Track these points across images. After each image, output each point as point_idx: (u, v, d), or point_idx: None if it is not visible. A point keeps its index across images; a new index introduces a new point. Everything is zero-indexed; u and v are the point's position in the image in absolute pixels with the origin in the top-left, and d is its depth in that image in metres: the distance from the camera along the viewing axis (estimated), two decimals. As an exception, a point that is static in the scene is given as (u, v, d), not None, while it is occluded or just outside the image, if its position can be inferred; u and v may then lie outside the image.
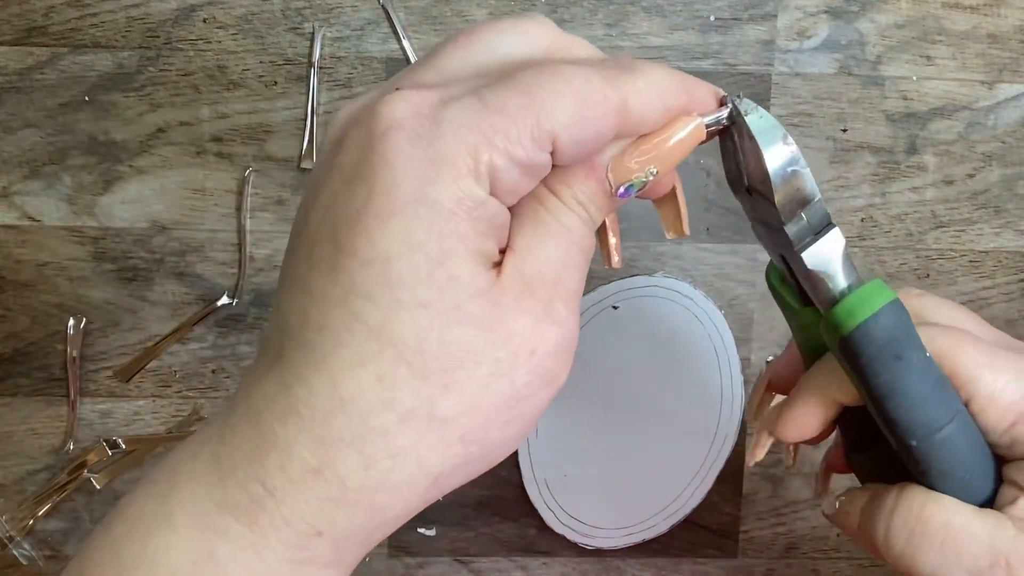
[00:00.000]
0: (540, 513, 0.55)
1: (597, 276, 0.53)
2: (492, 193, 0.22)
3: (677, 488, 0.55)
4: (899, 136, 0.54)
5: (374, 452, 0.21)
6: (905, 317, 0.28)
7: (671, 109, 0.23)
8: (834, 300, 0.28)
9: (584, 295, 0.53)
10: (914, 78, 0.53)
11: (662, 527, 0.55)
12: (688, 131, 0.24)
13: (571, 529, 0.55)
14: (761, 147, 0.26)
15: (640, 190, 0.24)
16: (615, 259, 0.27)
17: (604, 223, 0.26)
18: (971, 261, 0.55)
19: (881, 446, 0.30)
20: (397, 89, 0.22)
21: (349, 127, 0.23)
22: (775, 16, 0.52)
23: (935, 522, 0.27)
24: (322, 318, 0.21)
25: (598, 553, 0.56)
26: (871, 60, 0.53)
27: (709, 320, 0.54)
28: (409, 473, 0.22)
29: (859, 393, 0.29)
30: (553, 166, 0.23)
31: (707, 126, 0.25)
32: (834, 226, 0.28)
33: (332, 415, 0.21)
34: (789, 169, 0.26)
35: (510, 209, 0.23)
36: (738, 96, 0.26)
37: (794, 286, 0.30)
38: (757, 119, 0.26)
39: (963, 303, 0.55)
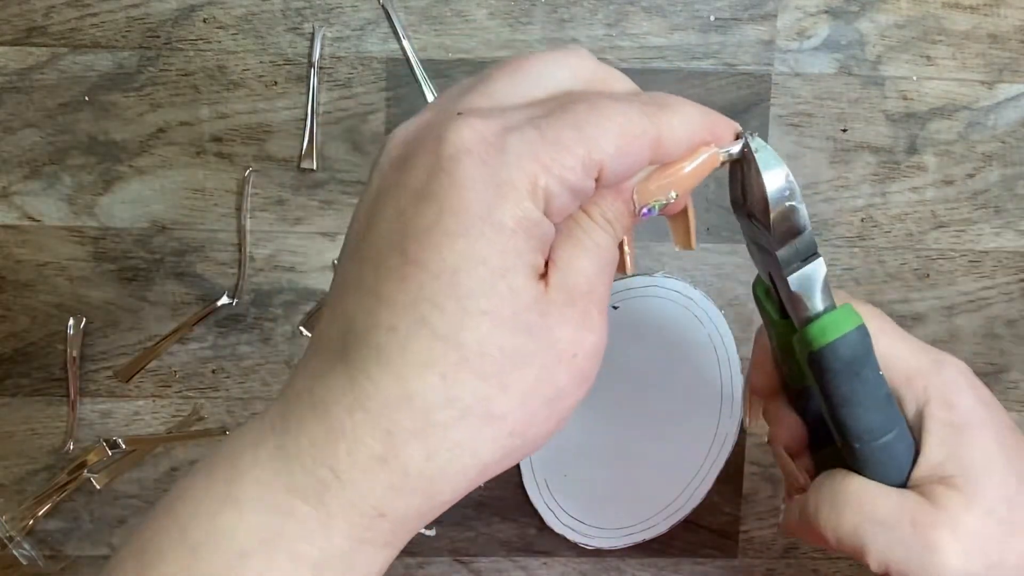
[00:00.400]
0: (540, 513, 0.55)
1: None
2: (545, 213, 0.24)
3: (677, 488, 0.55)
4: (899, 136, 0.54)
5: (436, 444, 0.24)
6: (867, 340, 0.31)
7: (695, 143, 0.26)
8: (809, 319, 0.31)
9: None
10: (914, 78, 0.53)
11: (662, 527, 0.55)
12: (705, 161, 0.27)
13: (571, 529, 0.55)
14: (765, 182, 0.29)
15: (660, 210, 0.27)
16: (630, 267, 0.30)
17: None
18: (971, 261, 0.55)
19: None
20: (459, 114, 0.24)
21: (413, 148, 0.25)
22: (775, 16, 0.52)
23: (852, 488, 0.32)
24: (391, 321, 0.23)
25: (598, 553, 0.56)
26: (871, 60, 0.53)
27: (709, 320, 0.54)
28: (464, 464, 0.24)
29: (819, 398, 0.33)
30: None
31: (722, 157, 0.28)
32: (819, 256, 0.31)
33: (398, 409, 0.23)
34: (787, 204, 0.29)
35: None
36: (751, 133, 0.29)
37: (776, 300, 0.33)
38: (765, 156, 0.29)
39: (963, 303, 0.55)
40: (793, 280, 0.31)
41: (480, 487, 0.55)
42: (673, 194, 0.26)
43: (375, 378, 0.23)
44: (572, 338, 0.25)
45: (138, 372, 0.53)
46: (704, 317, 0.54)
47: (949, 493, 0.32)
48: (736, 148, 0.28)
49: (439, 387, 0.23)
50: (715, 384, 0.54)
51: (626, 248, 0.29)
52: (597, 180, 0.25)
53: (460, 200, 0.23)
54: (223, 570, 0.24)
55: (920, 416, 0.33)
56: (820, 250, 0.31)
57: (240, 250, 0.52)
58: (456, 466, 0.24)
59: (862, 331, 0.31)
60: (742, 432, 0.55)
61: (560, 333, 0.25)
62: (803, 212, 0.30)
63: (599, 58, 0.53)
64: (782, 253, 0.31)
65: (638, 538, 0.55)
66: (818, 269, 0.31)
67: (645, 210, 0.26)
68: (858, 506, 0.32)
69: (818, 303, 0.31)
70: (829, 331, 0.31)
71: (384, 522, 0.24)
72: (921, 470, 0.33)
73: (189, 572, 0.24)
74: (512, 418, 0.24)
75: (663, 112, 0.25)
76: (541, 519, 0.55)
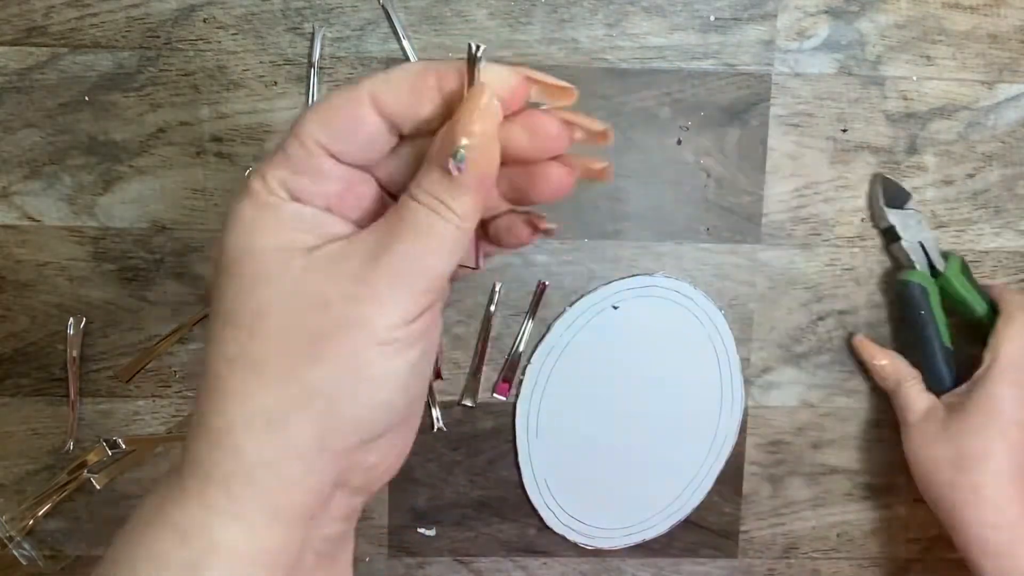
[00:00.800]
0: (540, 513, 0.55)
1: (597, 276, 0.53)
2: (297, 198, 0.28)
3: (677, 488, 0.55)
4: (899, 136, 0.54)
5: (217, 397, 0.27)
6: (924, 296, 0.52)
7: (419, 87, 0.28)
8: (903, 268, 0.54)
9: (584, 295, 0.53)
10: (914, 78, 0.53)
11: (662, 527, 0.56)
12: (481, 101, 0.28)
13: (571, 529, 0.55)
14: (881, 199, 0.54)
15: (467, 160, 0.28)
16: (481, 264, 0.33)
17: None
18: (971, 261, 0.55)
19: None
20: None
21: None
22: (775, 16, 0.52)
23: (914, 393, 0.53)
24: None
25: (598, 553, 0.56)
26: (871, 60, 0.53)
27: (709, 320, 0.54)
28: (245, 411, 0.27)
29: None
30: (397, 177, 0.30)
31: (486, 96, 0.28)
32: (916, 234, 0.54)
33: (200, 376, 0.28)
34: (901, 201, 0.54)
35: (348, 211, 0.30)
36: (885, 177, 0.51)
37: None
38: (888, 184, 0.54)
39: (963, 303, 0.55)
40: (905, 244, 0.53)
41: (480, 487, 0.55)
42: (464, 141, 0.27)
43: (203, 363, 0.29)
44: (321, 289, 0.27)
45: (138, 372, 0.53)
46: (704, 317, 0.54)
47: (943, 407, 0.52)
48: (476, 62, 0.29)
49: (211, 348, 0.28)
50: (715, 384, 0.54)
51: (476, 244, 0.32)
52: (338, 156, 0.28)
53: (229, 220, 0.29)
54: (129, 535, 0.28)
55: (986, 372, 0.50)
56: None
57: (240, 250, 0.52)
58: (236, 415, 0.27)
59: (921, 288, 0.52)
60: (742, 432, 0.55)
61: (311, 285, 0.27)
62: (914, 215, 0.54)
63: (599, 58, 0.53)
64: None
65: (638, 538, 0.56)
66: (920, 237, 0.53)
67: (451, 165, 0.28)
68: (907, 400, 0.53)
69: (915, 264, 0.53)
70: (905, 276, 0.53)
71: (211, 484, 0.27)
72: (954, 392, 0.52)
73: (113, 542, 0.28)
74: (273, 363, 0.27)
75: (372, 76, 0.29)
76: (541, 519, 0.55)
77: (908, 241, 0.53)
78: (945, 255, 0.53)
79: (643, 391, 0.54)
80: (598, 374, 0.54)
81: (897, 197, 0.53)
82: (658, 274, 0.54)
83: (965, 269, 0.53)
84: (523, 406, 0.54)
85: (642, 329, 0.54)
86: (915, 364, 0.53)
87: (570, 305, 0.54)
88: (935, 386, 0.52)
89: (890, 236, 0.53)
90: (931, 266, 0.53)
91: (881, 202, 0.53)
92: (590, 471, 0.55)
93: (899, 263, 0.54)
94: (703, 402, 0.55)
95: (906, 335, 0.54)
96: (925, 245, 0.53)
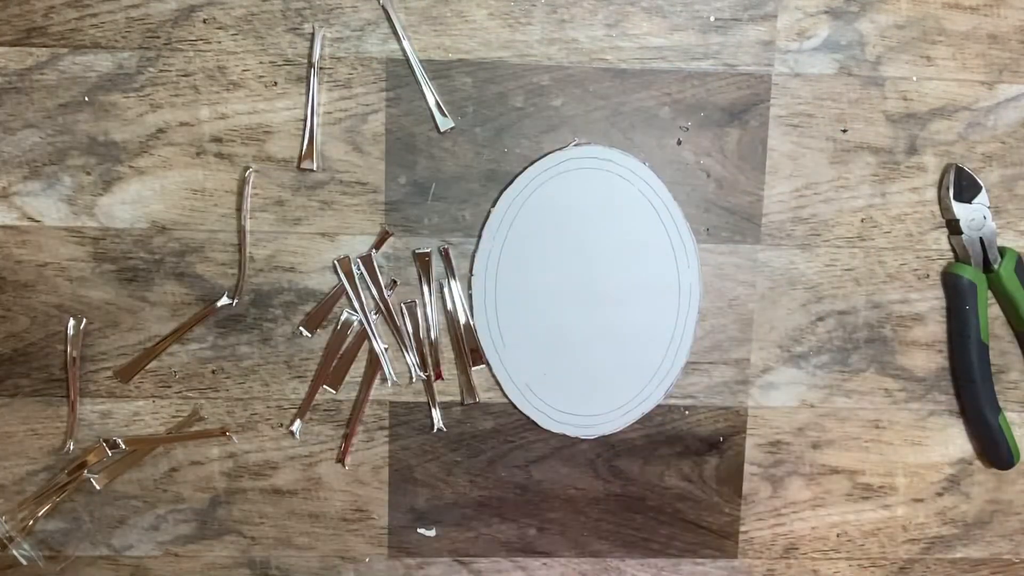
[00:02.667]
0: (533, 418, 0.54)
1: (500, 174, 0.53)
2: None
3: (659, 353, 0.54)
4: (899, 136, 0.54)
5: None
6: (970, 292, 0.54)
7: None
8: (960, 260, 0.55)
9: (499, 196, 0.52)
10: (914, 78, 0.53)
11: (657, 396, 0.55)
12: None
13: (569, 425, 0.54)
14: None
15: None
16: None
17: None
18: (971, 261, 0.55)
19: None
20: None
21: None
22: (775, 16, 0.52)
23: None
24: None
25: (598, 554, 0.56)
26: (871, 60, 0.53)
27: (635, 176, 0.53)
28: None
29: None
30: None
31: None
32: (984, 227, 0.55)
33: None
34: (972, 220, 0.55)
35: None
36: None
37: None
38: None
39: (963, 303, 0.55)
40: (964, 239, 0.54)
41: (480, 487, 0.55)
42: None
43: None
44: None
45: (138, 372, 0.53)
46: (629, 175, 0.53)
47: None
48: None
49: None
50: (662, 235, 0.53)
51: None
52: None
53: None
54: None
55: None
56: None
57: (240, 250, 0.52)
58: None
59: (970, 283, 0.54)
60: (742, 432, 0.55)
61: None
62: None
63: (599, 58, 0.53)
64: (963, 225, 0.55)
65: (637, 413, 0.55)
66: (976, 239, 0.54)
67: None
68: None
69: (970, 259, 0.54)
70: (953, 268, 0.54)
71: None
72: None
73: None
74: None
75: None
76: (541, 519, 0.55)
77: (968, 236, 0.54)
78: (1002, 251, 0.54)
79: (593, 267, 0.53)
80: (543, 264, 0.53)
81: (968, 189, 0.53)
82: (570, 145, 0.52)
83: (1020, 267, 0.54)
84: (480, 320, 0.53)
85: (573, 205, 0.53)
86: (950, 353, 0.55)
87: (492, 207, 0.53)
88: (964, 375, 0.55)
89: (952, 228, 0.54)
90: (986, 261, 0.54)
91: (951, 193, 0.53)
92: (567, 362, 0.54)
93: (956, 254, 0.55)
94: (656, 257, 0.53)
95: (948, 323, 0.55)
96: (984, 240, 0.54)
